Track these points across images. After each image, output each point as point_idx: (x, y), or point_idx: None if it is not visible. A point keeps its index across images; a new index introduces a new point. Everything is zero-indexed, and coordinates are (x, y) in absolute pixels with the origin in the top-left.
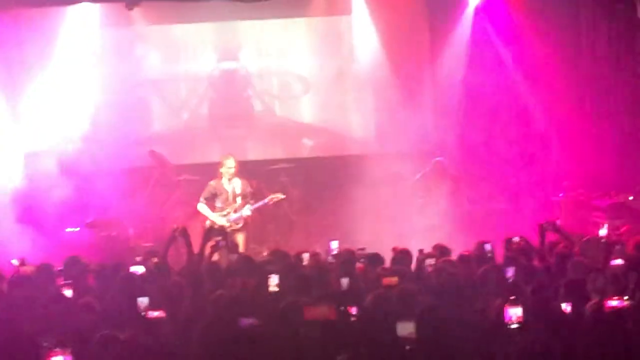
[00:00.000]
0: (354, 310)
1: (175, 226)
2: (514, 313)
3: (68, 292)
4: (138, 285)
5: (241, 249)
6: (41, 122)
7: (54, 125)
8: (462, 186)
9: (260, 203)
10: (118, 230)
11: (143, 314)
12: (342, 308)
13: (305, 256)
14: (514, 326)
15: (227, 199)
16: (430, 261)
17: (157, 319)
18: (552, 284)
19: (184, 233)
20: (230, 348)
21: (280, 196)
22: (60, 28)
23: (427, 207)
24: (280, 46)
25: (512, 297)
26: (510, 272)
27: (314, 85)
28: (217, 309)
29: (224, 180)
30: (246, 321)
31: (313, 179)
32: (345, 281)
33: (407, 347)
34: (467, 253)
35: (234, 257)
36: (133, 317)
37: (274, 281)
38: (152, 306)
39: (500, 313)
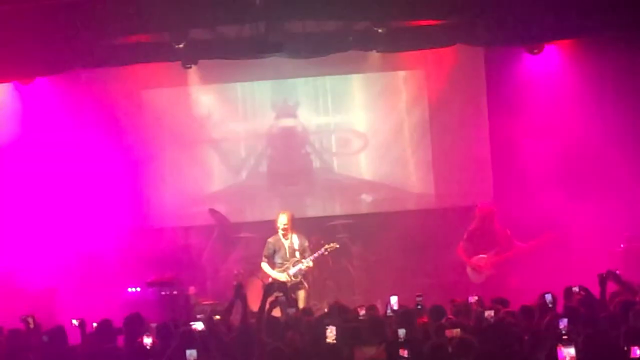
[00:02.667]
0: (405, 353)
1: (235, 283)
2: (567, 353)
3: (148, 340)
4: (197, 341)
5: (302, 304)
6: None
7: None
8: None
9: (316, 254)
10: (179, 288)
11: None
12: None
13: (362, 312)
14: None
15: (285, 254)
16: (489, 313)
17: None
18: (612, 332)
19: (240, 291)
20: None
21: (335, 245)
22: (115, 89)
23: (481, 260)
24: (337, 102)
25: (564, 337)
26: (563, 323)
27: (371, 140)
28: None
29: (281, 236)
30: None
31: (372, 235)
32: (402, 332)
33: None
34: (528, 304)
35: (292, 311)
36: None
37: (331, 334)
38: (209, 358)
39: (554, 353)
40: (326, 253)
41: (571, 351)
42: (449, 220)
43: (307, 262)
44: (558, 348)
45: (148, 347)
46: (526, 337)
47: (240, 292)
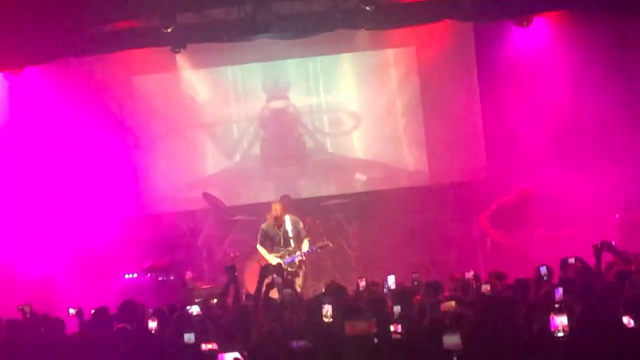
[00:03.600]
0: (399, 328)
1: (226, 266)
2: (560, 321)
3: (153, 324)
4: (194, 324)
5: (299, 286)
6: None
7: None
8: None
9: (309, 250)
10: (175, 273)
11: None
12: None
13: (362, 283)
14: (560, 334)
15: (279, 242)
16: (486, 287)
17: (210, 350)
18: (610, 302)
19: (232, 273)
20: None
21: (329, 244)
22: (105, 76)
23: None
24: (328, 82)
25: (557, 306)
26: (558, 292)
27: (364, 119)
28: (269, 338)
29: (274, 225)
30: (297, 343)
31: (367, 213)
32: (397, 308)
33: (454, 358)
34: (523, 277)
35: (289, 292)
36: (188, 351)
37: (327, 312)
38: (207, 340)
39: (547, 322)
40: (319, 251)
41: (563, 320)
42: (443, 197)
43: (300, 256)
44: (550, 317)
45: (153, 332)
46: (522, 309)
47: (231, 274)
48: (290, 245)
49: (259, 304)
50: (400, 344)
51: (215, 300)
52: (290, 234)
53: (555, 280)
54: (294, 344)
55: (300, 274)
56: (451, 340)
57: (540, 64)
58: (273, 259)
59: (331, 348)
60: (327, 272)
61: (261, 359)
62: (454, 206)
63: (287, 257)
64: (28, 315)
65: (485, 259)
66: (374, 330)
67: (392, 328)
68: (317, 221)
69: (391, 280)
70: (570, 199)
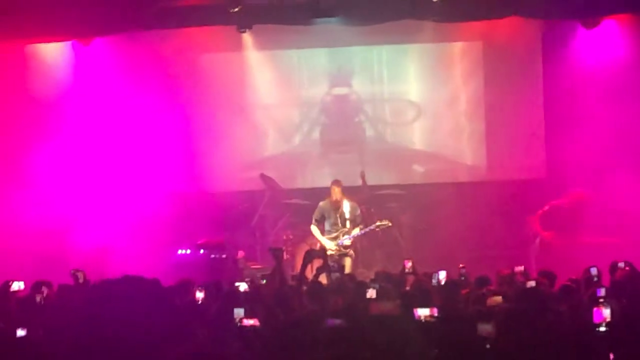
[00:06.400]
0: (435, 312)
1: (270, 249)
2: (604, 314)
3: (200, 294)
4: (242, 300)
5: (348, 272)
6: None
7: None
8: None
9: (366, 229)
10: (228, 252)
11: (238, 323)
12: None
13: (409, 264)
14: (602, 328)
15: (335, 222)
16: (531, 283)
17: (251, 326)
18: None
19: (277, 255)
20: (312, 344)
21: (388, 224)
22: (171, 52)
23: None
24: (392, 72)
25: (601, 300)
26: (600, 292)
27: (425, 111)
28: (308, 317)
29: (333, 204)
30: (332, 322)
31: (423, 206)
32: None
33: (487, 346)
34: (574, 277)
35: (336, 276)
36: (231, 325)
37: (372, 295)
38: (250, 316)
39: (590, 315)
40: (377, 230)
41: (607, 313)
42: (499, 193)
43: (356, 235)
44: (594, 309)
45: (199, 302)
46: (565, 306)
47: (277, 257)
48: (345, 227)
49: (301, 286)
50: (428, 327)
51: (264, 282)
52: (347, 216)
53: (605, 283)
54: (329, 321)
55: (349, 259)
56: (485, 327)
57: (607, 66)
58: (326, 242)
59: (362, 327)
60: (378, 261)
61: (294, 335)
62: (509, 203)
63: (341, 237)
64: (81, 281)
65: (536, 259)
66: (397, 312)
67: (427, 312)
68: (372, 210)
69: (442, 275)
70: (627, 206)
